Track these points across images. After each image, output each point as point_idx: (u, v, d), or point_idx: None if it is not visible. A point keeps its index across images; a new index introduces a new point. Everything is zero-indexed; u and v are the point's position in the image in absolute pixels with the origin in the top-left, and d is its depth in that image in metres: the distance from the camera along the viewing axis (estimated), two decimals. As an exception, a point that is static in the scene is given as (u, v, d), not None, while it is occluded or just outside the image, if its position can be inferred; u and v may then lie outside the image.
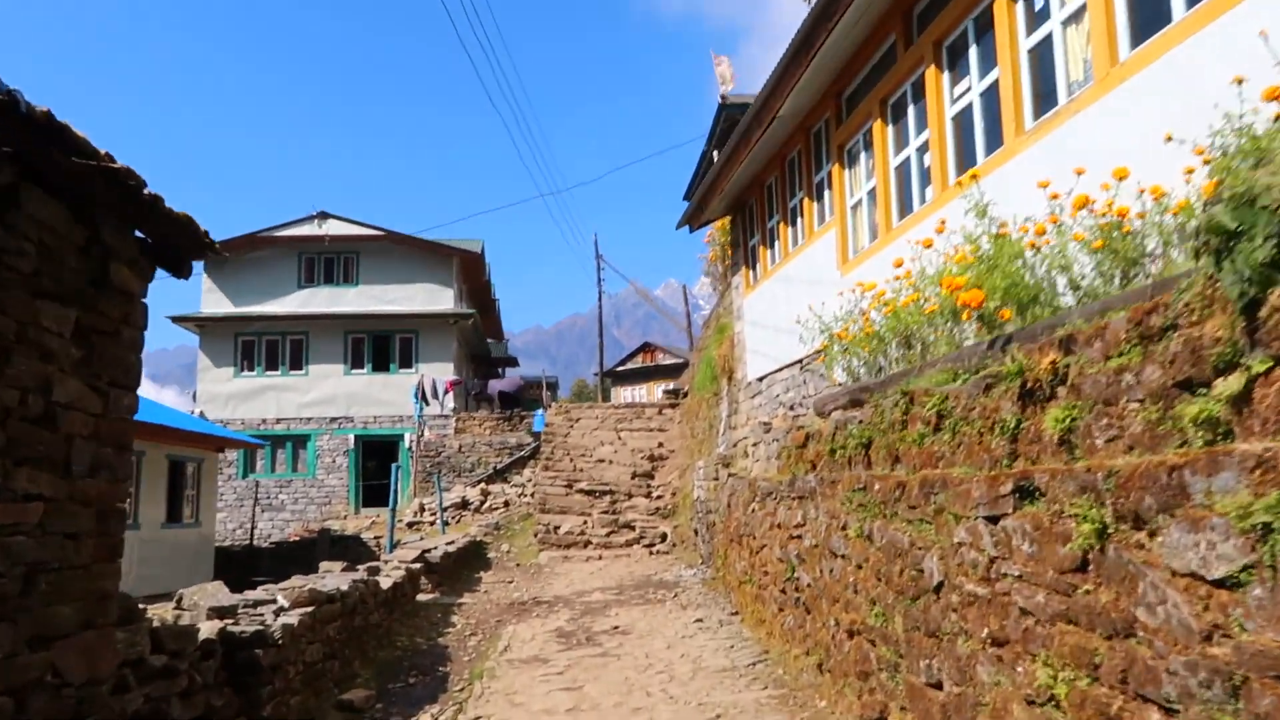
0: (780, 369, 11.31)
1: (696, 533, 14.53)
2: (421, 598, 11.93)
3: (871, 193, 8.76)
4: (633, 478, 19.58)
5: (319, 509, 27.33)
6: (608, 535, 17.09)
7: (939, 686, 4.25)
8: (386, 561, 11.66)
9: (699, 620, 9.88)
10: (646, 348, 65.96)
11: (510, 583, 13.75)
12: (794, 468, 8.40)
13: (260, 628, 6.16)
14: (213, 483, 19.85)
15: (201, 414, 27.71)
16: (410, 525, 22.53)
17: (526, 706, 6.75)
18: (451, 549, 14.25)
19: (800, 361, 10.55)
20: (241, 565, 20.87)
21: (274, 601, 7.01)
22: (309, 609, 7.12)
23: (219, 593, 6.47)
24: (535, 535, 17.22)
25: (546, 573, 14.83)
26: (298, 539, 21.90)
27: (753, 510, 9.39)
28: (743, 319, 12.98)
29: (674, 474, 19.65)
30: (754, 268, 12.69)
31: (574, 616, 10.62)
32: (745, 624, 9.36)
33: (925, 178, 7.71)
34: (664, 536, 16.91)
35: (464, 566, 14.84)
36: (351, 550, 20.70)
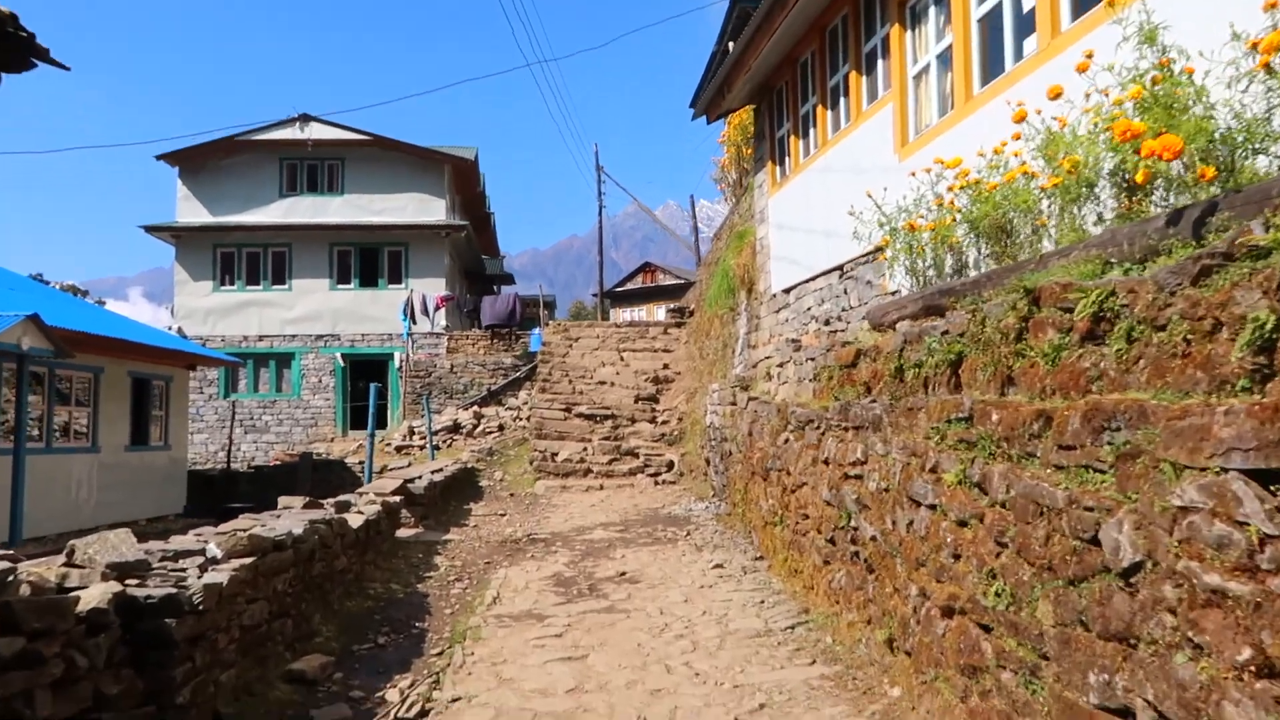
0: (813, 278, 9.80)
1: (709, 463, 13.19)
2: (403, 533, 10.61)
3: (943, 56, 7.13)
4: (636, 401, 18.21)
5: (305, 431, 26.05)
6: (609, 463, 15.77)
7: (1128, 715, 2.85)
8: (362, 494, 10.30)
9: (719, 566, 8.56)
10: (647, 268, 64.27)
11: (503, 516, 12.44)
12: (839, 391, 6.97)
13: (173, 590, 4.77)
14: (183, 402, 18.45)
15: (180, 330, 26.25)
16: (399, 449, 21.27)
17: (516, 684, 5.41)
18: (438, 478, 12.90)
19: (840, 268, 9.03)
20: (218, 490, 19.64)
21: (201, 553, 5.61)
22: (248, 560, 5.73)
23: (123, 544, 5.05)
24: (531, 463, 15.90)
25: (543, 504, 13.52)
26: (279, 463, 20.62)
27: (785, 441, 7.98)
28: (767, 222, 11.42)
29: (680, 397, 18.29)
30: (782, 163, 11.07)
31: (574, 559, 9.30)
32: (774, 573, 8.04)
33: (1024, 26, 6.09)
34: (670, 465, 15.60)
35: (452, 497, 13.53)
36: (335, 475, 19.44)
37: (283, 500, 8.58)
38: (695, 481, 14.56)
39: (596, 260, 39.75)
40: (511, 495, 14.66)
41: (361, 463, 19.42)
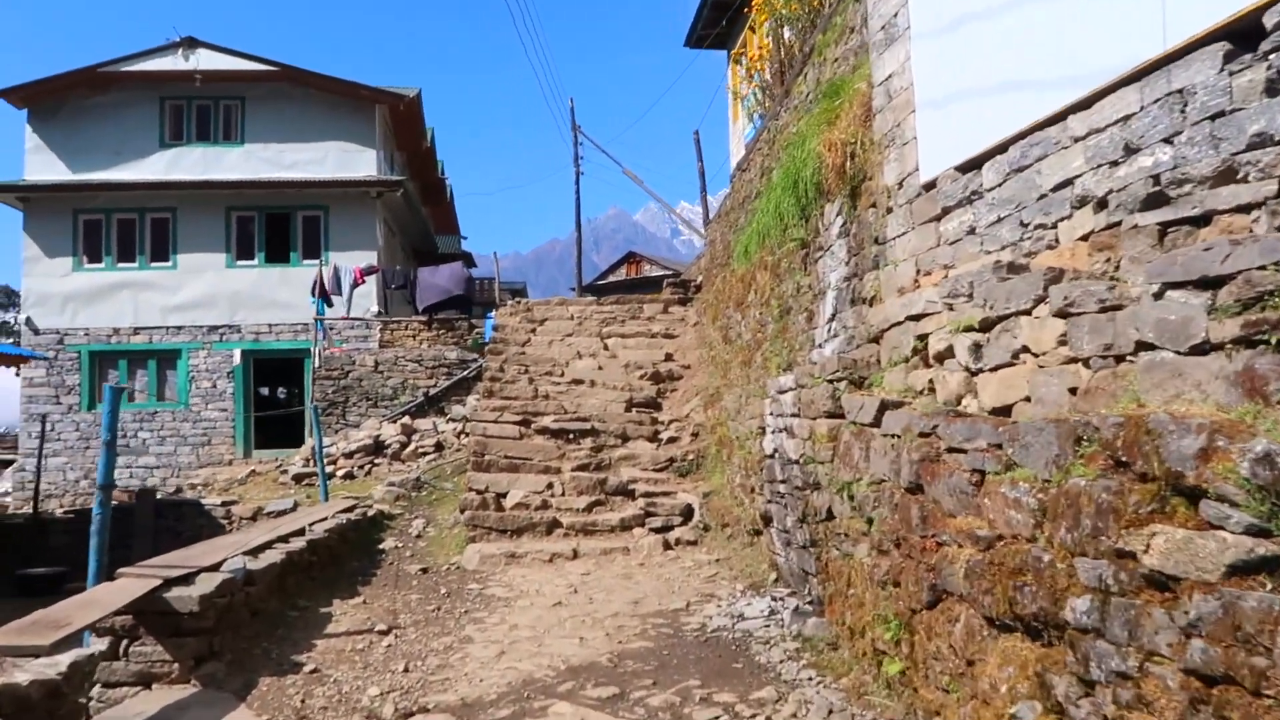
0: (1087, 102, 3.89)
1: (768, 520, 7.28)
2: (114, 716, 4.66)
3: None
4: (628, 409, 12.30)
5: (194, 451, 19.94)
6: (589, 510, 9.83)
7: None
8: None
9: None
10: (631, 258, 58.46)
11: (383, 638, 6.45)
12: None
13: None
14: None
15: (29, 321, 20.14)
16: (298, 479, 15.28)
17: None
18: (272, 556, 7.00)
19: (1256, 21, 3.10)
20: (20, 545, 13.55)
21: None
22: None
23: None
24: (463, 510, 9.89)
25: (469, 599, 7.57)
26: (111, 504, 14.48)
27: None
28: (901, 39, 5.51)
29: (693, 402, 12.39)
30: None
31: None
32: None
33: None
34: (687, 513, 9.67)
35: (308, 584, 7.60)
36: (189, 523, 13.36)
37: None
38: (733, 543, 8.66)
39: (578, 276, 33.74)
40: (424, 572, 8.69)
41: (229, 504, 13.35)
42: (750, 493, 7.99)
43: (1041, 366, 3.75)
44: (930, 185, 5.30)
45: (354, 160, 20.98)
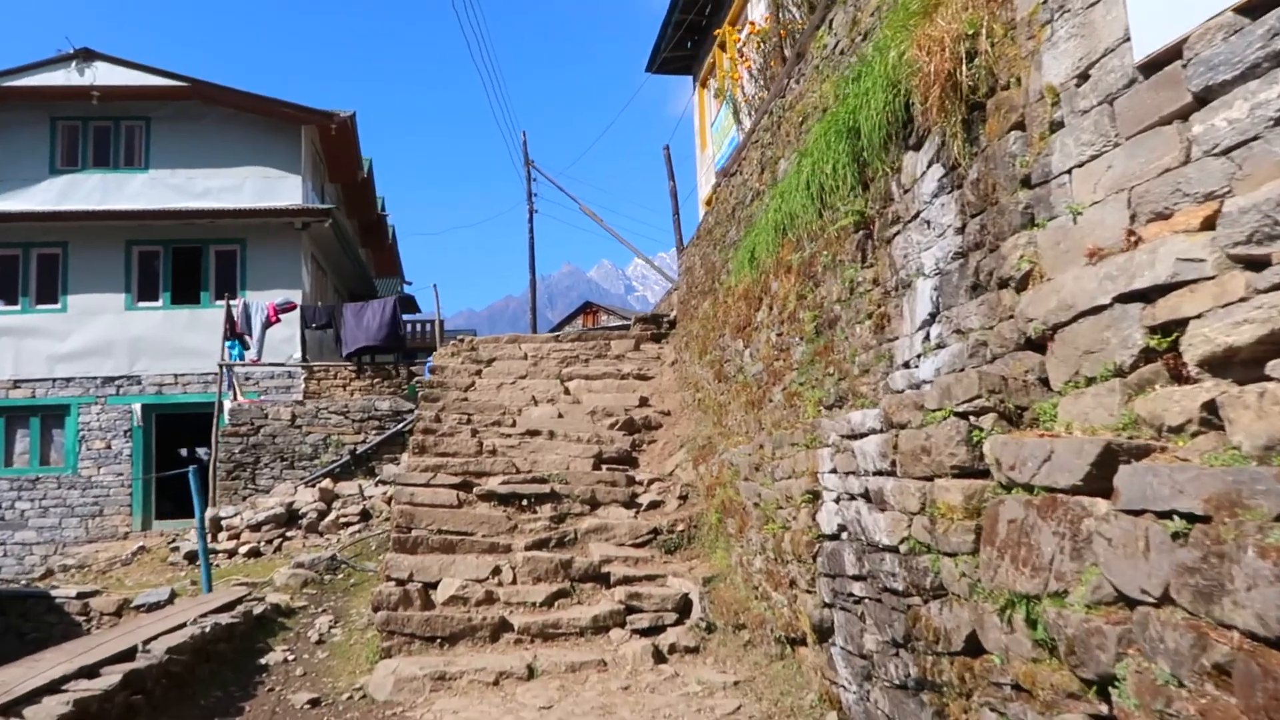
0: None
1: (826, 635, 4.81)
2: None
3: None
4: (596, 466, 9.81)
5: (83, 524, 16.94)
6: (549, 605, 7.27)
7: None
8: None
9: None
10: (588, 308, 56.11)
11: None
12: None
13: None
14: None
15: (-112, 374, 17.15)
16: (191, 558, 12.49)
17: None
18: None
19: None
20: None
21: None
22: None
23: None
24: (376, 610, 7.26)
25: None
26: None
27: None
28: None
29: (677, 456, 9.95)
30: None
31: None
32: None
33: None
34: (684, 607, 7.13)
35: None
36: (35, 620, 10.44)
37: None
38: (753, 653, 6.14)
39: (532, 319, 31.63)
40: (314, 706, 6.04)
41: (87, 596, 10.48)
42: (785, 586, 5.52)
43: None
44: (1160, 62, 2.97)
45: (276, 188, 18.44)
